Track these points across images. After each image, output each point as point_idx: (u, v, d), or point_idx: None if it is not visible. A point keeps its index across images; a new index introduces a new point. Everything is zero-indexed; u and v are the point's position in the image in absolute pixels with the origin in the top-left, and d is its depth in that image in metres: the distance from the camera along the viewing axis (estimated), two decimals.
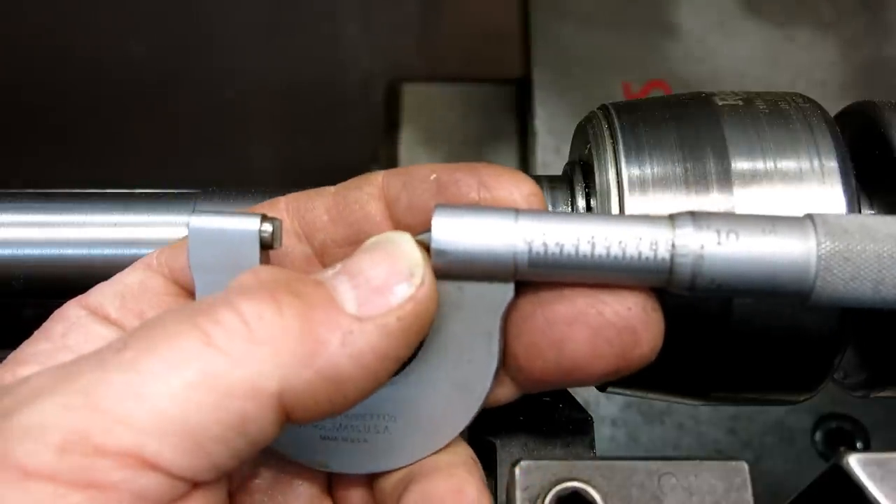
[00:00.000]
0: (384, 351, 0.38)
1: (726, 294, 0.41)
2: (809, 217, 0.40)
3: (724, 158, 0.45)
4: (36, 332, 0.43)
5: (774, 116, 0.47)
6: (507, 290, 0.42)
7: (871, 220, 0.40)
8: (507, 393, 0.45)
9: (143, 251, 0.51)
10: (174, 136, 1.60)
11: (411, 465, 0.44)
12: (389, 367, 0.38)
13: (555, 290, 0.42)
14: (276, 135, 1.65)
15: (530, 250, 0.40)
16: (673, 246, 0.39)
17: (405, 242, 0.40)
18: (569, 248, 0.40)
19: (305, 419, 0.38)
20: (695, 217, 0.40)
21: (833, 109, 0.50)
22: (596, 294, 0.41)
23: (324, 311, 0.37)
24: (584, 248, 0.40)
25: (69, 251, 0.52)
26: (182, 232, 0.51)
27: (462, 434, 0.45)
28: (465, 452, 0.44)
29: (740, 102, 0.48)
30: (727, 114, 0.47)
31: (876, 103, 0.49)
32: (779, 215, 0.41)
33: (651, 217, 0.41)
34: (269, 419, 0.36)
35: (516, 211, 0.41)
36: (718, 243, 0.39)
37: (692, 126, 0.47)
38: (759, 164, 0.45)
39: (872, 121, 0.48)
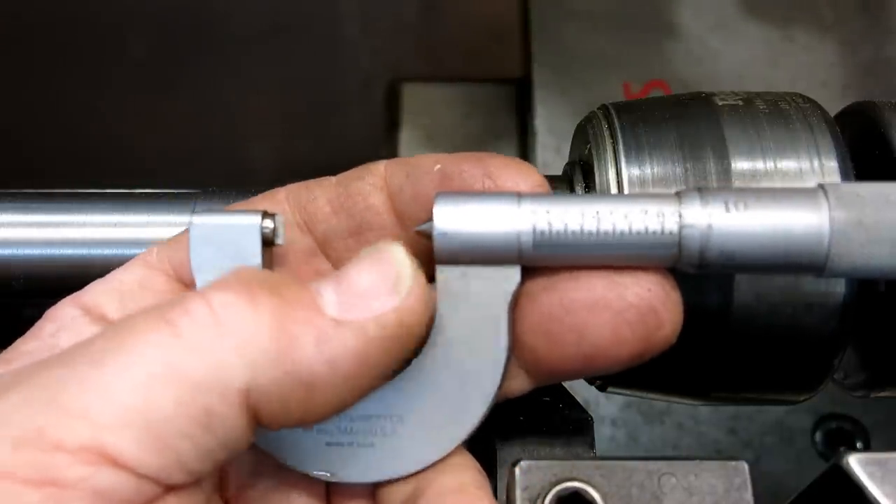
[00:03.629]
0: (363, 357, 0.36)
1: (738, 269, 0.40)
2: (820, 186, 0.39)
3: (724, 158, 0.45)
4: (28, 331, 0.42)
5: (774, 116, 0.47)
6: (514, 275, 0.41)
7: (885, 186, 0.39)
8: (520, 385, 0.43)
9: (144, 251, 0.51)
10: (174, 136, 1.60)
11: (421, 471, 0.42)
12: (370, 375, 0.37)
13: (570, 276, 0.41)
14: (276, 135, 1.65)
15: (534, 230, 0.39)
16: (680, 217, 0.39)
17: (396, 251, 0.39)
18: (573, 227, 0.39)
19: (275, 425, 0.36)
20: (702, 191, 0.39)
21: (833, 109, 0.50)
22: (614, 277, 0.40)
23: (301, 310, 0.36)
24: (589, 226, 0.39)
25: (69, 251, 0.52)
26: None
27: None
28: (472, 466, 0.42)
29: (740, 102, 0.48)
30: (727, 114, 0.47)
31: (876, 103, 0.49)
32: (789, 187, 0.40)
33: (658, 194, 0.40)
34: (237, 418, 0.35)
35: (519, 194, 0.40)
36: (727, 212, 0.38)
37: (692, 126, 0.47)
38: (759, 164, 0.45)
39: (872, 121, 0.48)
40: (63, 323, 0.42)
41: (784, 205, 0.38)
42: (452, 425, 0.42)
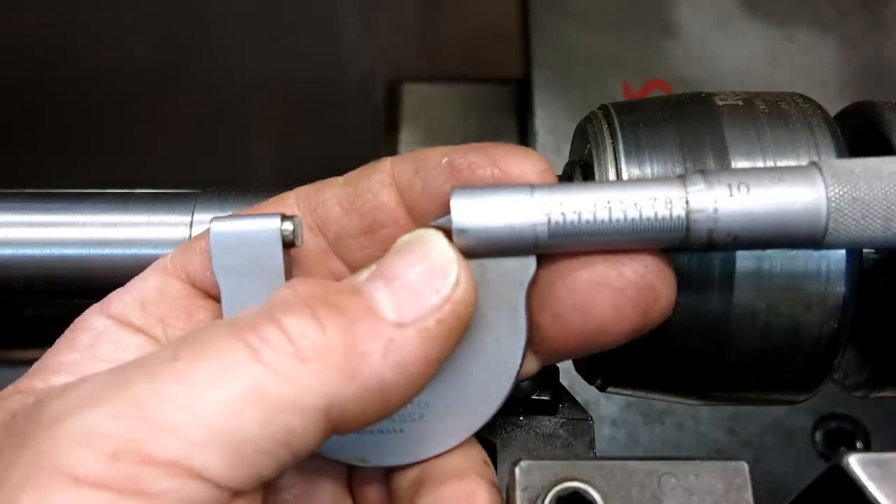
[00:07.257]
0: (426, 356, 0.38)
1: (743, 247, 0.42)
2: (814, 163, 0.41)
3: (724, 158, 0.45)
4: (59, 341, 0.43)
5: (774, 116, 0.47)
6: (530, 264, 0.42)
7: (874, 161, 0.41)
8: (530, 367, 0.45)
9: (144, 251, 0.52)
10: (174, 136, 1.60)
11: (439, 455, 0.44)
12: (431, 371, 0.39)
13: (573, 258, 0.43)
14: (276, 135, 1.65)
15: (549, 221, 0.41)
16: (687, 203, 0.40)
17: (438, 242, 0.40)
18: (587, 216, 0.41)
19: (352, 429, 0.38)
20: (705, 174, 0.41)
21: (833, 109, 0.50)
22: (613, 257, 0.42)
23: (364, 323, 0.37)
24: (602, 214, 0.41)
25: (69, 251, 0.52)
26: (182, 232, 0.52)
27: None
28: (477, 455, 0.44)
29: (740, 102, 0.48)
30: (727, 114, 0.47)
31: (876, 103, 0.49)
32: (784, 166, 0.42)
33: (662, 179, 0.42)
34: (315, 433, 0.37)
35: (531, 186, 0.41)
36: (731, 196, 0.40)
37: (692, 126, 0.47)
38: (759, 164, 0.45)
39: (872, 121, 0.48)
40: (97, 333, 0.43)
41: (783, 184, 0.40)
42: (477, 409, 0.44)
